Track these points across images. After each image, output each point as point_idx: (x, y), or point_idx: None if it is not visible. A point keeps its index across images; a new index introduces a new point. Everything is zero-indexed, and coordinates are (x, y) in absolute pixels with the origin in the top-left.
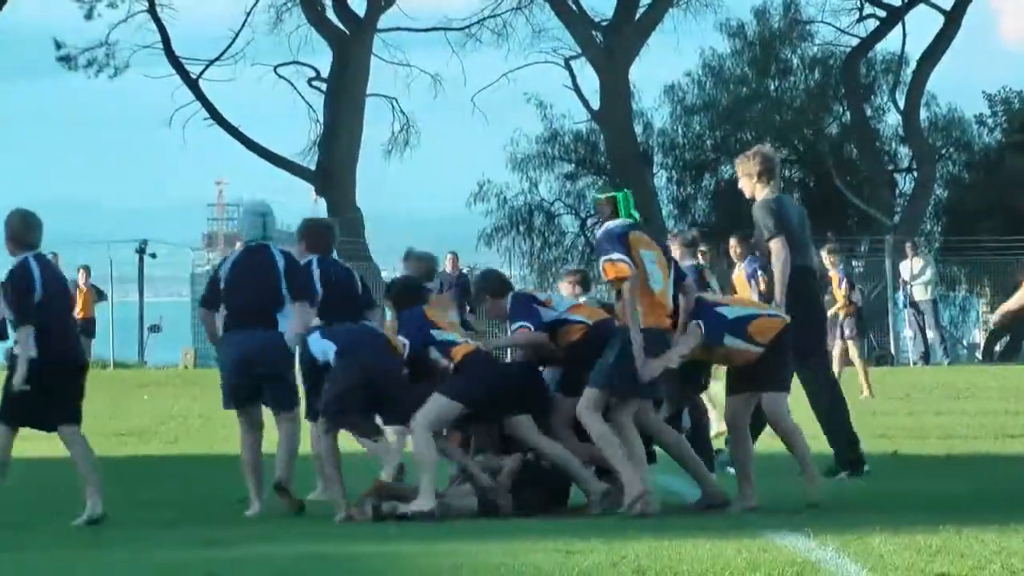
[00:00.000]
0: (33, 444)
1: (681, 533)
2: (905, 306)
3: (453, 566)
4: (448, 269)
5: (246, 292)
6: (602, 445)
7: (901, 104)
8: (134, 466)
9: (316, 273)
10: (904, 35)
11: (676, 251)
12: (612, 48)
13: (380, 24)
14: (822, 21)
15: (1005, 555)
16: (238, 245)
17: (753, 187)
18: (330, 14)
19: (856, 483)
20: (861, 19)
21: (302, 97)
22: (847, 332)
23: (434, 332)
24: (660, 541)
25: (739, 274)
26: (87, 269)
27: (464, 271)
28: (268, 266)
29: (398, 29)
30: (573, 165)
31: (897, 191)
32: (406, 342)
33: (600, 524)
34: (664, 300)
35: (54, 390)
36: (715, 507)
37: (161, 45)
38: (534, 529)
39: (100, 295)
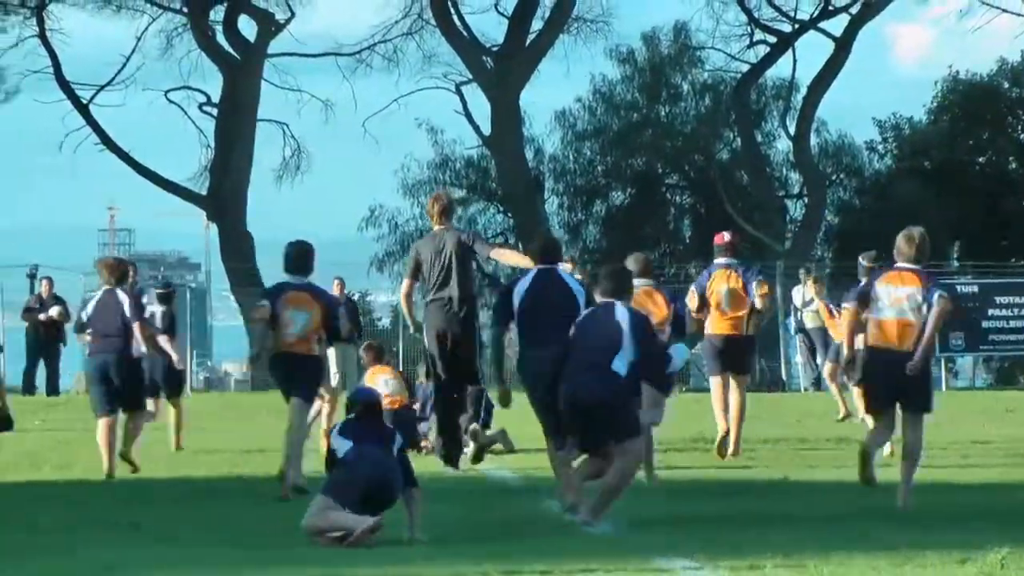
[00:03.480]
0: None
1: (575, 558)
2: (797, 332)
3: None
4: (336, 294)
5: None
6: None
7: (792, 130)
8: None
9: None
10: (795, 61)
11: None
12: (503, 74)
13: (270, 49)
14: (712, 47)
15: None
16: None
17: None
18: (220, 39)
19: (750, 507)
20: (752, 45)
21: (193, 122)
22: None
23: None
24: (554, 566)
25: None
26: None
27: (352, 296)
28: None
29: (289, 55)
30: (464, 191)
31: (788, 217)
32: None
33: (493, 549)
34: None
35: None
36: None
37: (51, 70)
38: (427, 556)
39: None
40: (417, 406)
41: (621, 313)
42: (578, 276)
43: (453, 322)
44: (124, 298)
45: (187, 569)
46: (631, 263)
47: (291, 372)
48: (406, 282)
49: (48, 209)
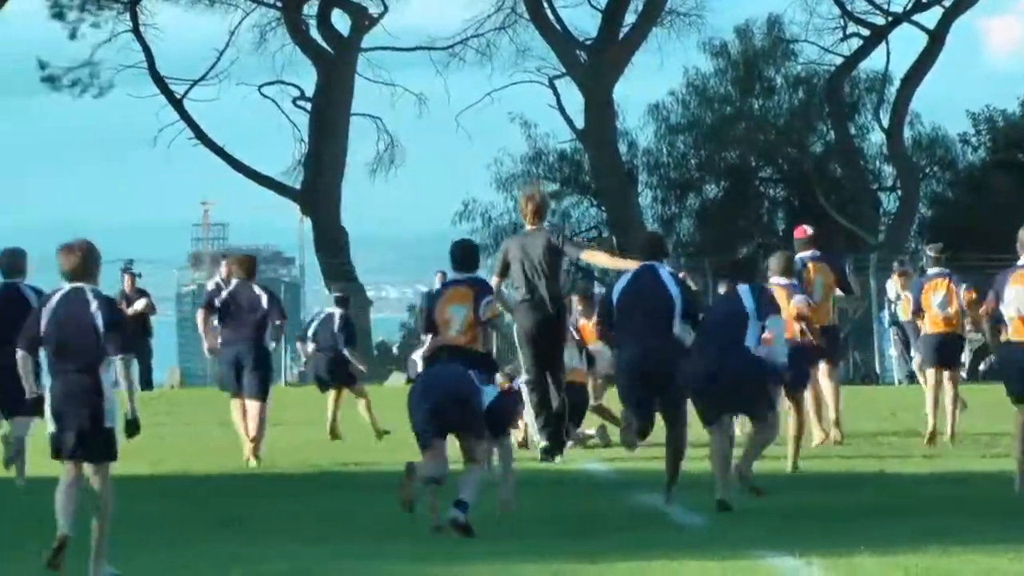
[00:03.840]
0: None
1: (668, 552)
2: (890, 325)
3: None
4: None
5: None
6: None
7: (885, 123)
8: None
9: None
10: (888, 54)
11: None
12: (596, 67)
13: (364, 44)
14: (806, 40)
15: (991, 575)
16: None
17: None
18: (314, 33)
19: (844, 500)
20: (845, 38)
21: (287, 116)
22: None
23: None
24: (646, 561)
25: None
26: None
27: None
28: None
29: (382, 48)
30: (558, 184)
31: (881, 209)
32: None
33: (587, 543)
34: None
35: None
36: None
37: (145, 65)
38: (520, 550)
39: None
40: None
41: (744, 292)
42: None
43: (544, 323)
44: (260, 292)
45: (308, 561)
46: (773, 260)
47: None
48: (495, 280)
49: (141, 204)
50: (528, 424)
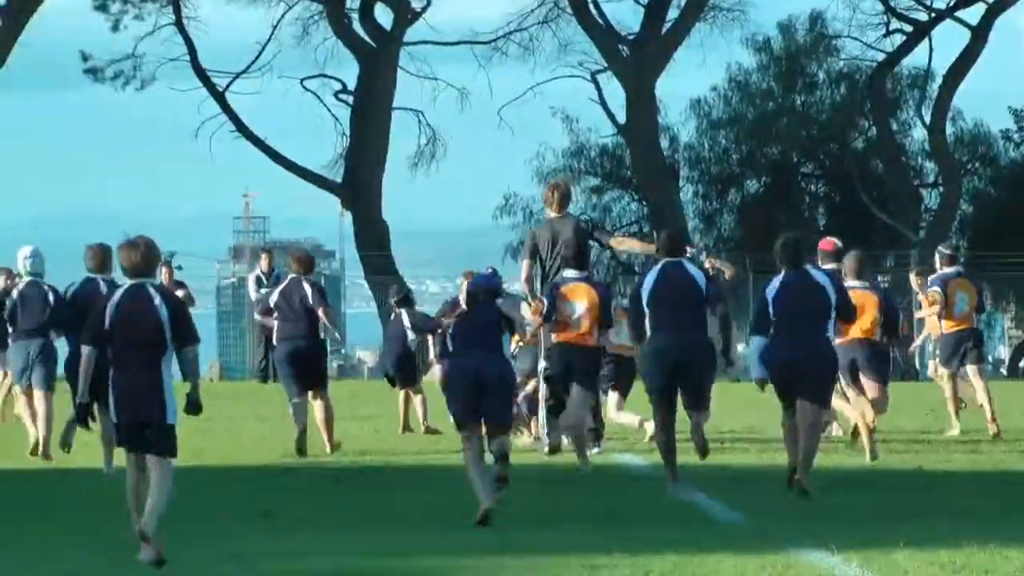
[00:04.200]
0: None
1: (705, 548)
2: None
3: None
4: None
5: None
6: None
7: (927, 119)
8: None
9: None
10: (931, 50)
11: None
12: (638, 62)
13: (407, 38)
14: (848, 36)
15: None
16: None
17: None
18: (357, 27)
19: (884, 498)
20: (888, 34)
21: (328, 110)
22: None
23: None
24: (684, 556)
25: None
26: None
27: None
28: None
29: (425, 43)
30: (599, 179)
31: (923, 206)
32: None
33: (624, 537)
34: None
35: None
36: None
37: (188, 58)
38: (557, 543)
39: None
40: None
41: (822, 278)
42: (707, 265)
43: None
44: (307, 287)
45: (318, 558)
46: (847, 260)
47: (571, 361)
48: (526, 263)
49: (183, 197)
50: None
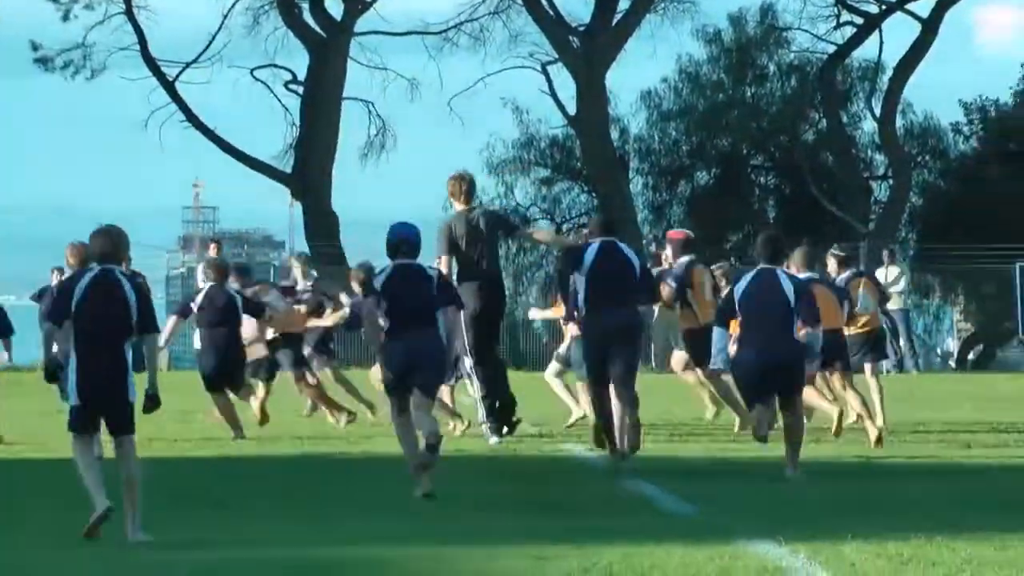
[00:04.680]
0: None
1: (653, 539)
2: None
3: (430, 570)
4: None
5: None
6: None
7: (877, 111)
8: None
9: None
10: (881, 42)
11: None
12: (589, 53)
13: (357, 28)
14: (799, 28)
15: (976, 564)
16: None
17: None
18: (307, 17)
19: (832, 491)
20: (838, 26)
21: (278, 100)
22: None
23: None
24: (632, 547)
25: None
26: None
27: None
28: None
29: (375, 33)
30: (549, 170)
31: (872, 198)
32: None
33: (573, 528)
34: None
35: None
36: None
37: (138, 47)
38: (506, 533)
39: None
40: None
41: (785, 280)
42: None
43: (491, 300)
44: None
45: (270, 547)
46: (796, 254)
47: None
48: (444, 259)
49: (132, 186)
50: (477, 407)
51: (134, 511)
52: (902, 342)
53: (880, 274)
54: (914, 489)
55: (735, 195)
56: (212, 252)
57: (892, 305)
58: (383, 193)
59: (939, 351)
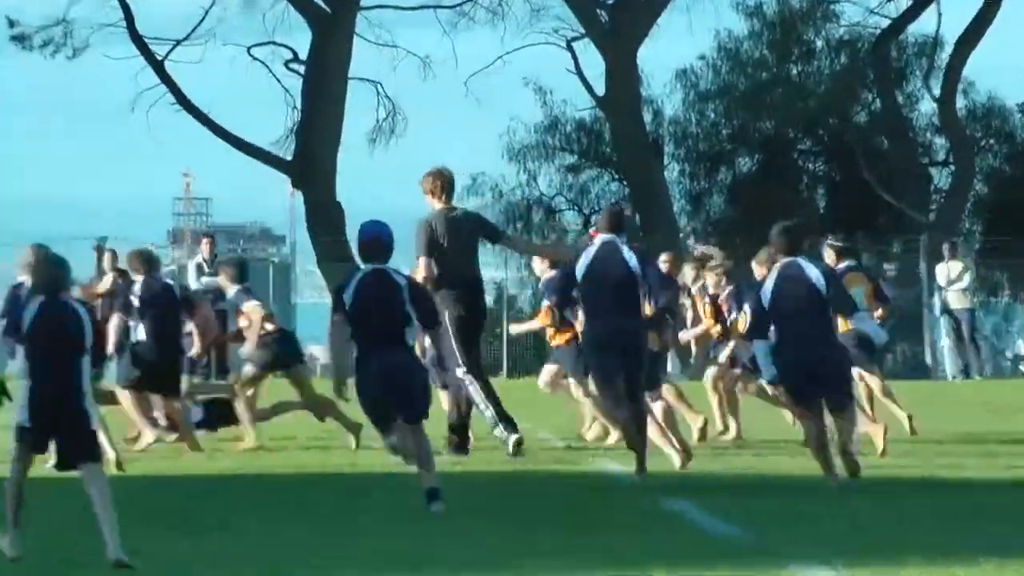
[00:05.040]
0: None
1: (701, 564)
2: (941, 313)
3: None
4: None
5: None
6: None
7: (936, 91)
8: None
9: None
10: (939, 15)
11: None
12: (619, 28)
13: (364, 2)
14: (848, 0)
15: None
16: None
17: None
18: None
19: (892, 507)
20: None
21: (278, 81)
22: None
23: None
24: (678, 572)
25: None
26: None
27: None
28: None
29: (383, 7)
30: (576, 156)
31: (932, 186)
32: None
33: (614, 551)
34: None
35: None
36: None
37: (124, 23)
38: (537, 551)
39: None
40: None
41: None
42: (698, 252)
43: (474, 305)
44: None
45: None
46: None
47: None
48: (424, 261)
49: (118, 175)
50: (485, 415)
51: (113, 532)
52: (966, 344)
53: (942, 270)
54: (984, 509)
55: (780, 182)
56: (204, 247)
57: (957, 303)
58: (392, 182)
59: (1008, 354)
